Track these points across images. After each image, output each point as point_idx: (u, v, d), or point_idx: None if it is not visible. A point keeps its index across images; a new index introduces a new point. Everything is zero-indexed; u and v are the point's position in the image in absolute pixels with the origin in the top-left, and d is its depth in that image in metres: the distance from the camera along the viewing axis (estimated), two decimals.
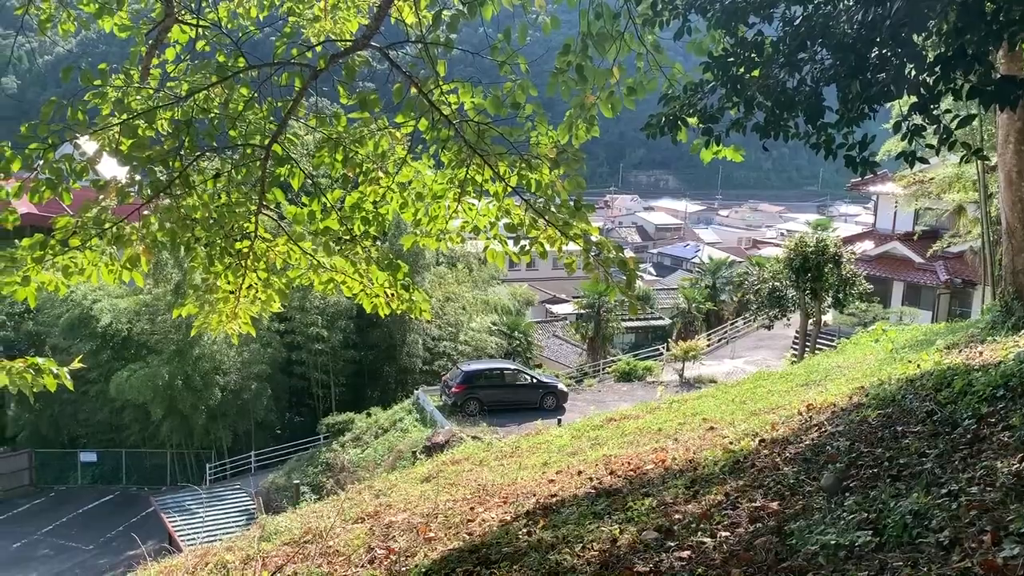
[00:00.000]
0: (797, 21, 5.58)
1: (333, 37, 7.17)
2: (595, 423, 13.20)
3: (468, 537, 6.22)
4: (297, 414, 38.51)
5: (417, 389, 31.12)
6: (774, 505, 5.12)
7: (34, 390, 7.22)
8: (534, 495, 7.35)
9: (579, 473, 7.92)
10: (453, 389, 27.77)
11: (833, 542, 4.17)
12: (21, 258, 6.18)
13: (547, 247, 7.53)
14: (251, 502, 27.70)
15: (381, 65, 6.96)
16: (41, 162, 5.83)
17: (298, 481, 25.05)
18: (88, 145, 6.20)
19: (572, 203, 6.96)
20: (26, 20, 7.10)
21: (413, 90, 6.17)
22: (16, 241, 6.23)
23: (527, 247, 7.39)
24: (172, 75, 6.36)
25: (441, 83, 6.21)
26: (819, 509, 4.82)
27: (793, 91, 5.68)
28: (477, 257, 42.27)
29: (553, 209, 7.09)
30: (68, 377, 7.13)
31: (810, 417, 7.77)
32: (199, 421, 32.46)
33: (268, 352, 34.02)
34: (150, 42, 6.58)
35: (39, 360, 7.20)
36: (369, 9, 7.32)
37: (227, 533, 18.74)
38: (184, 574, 7.64)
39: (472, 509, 7.24)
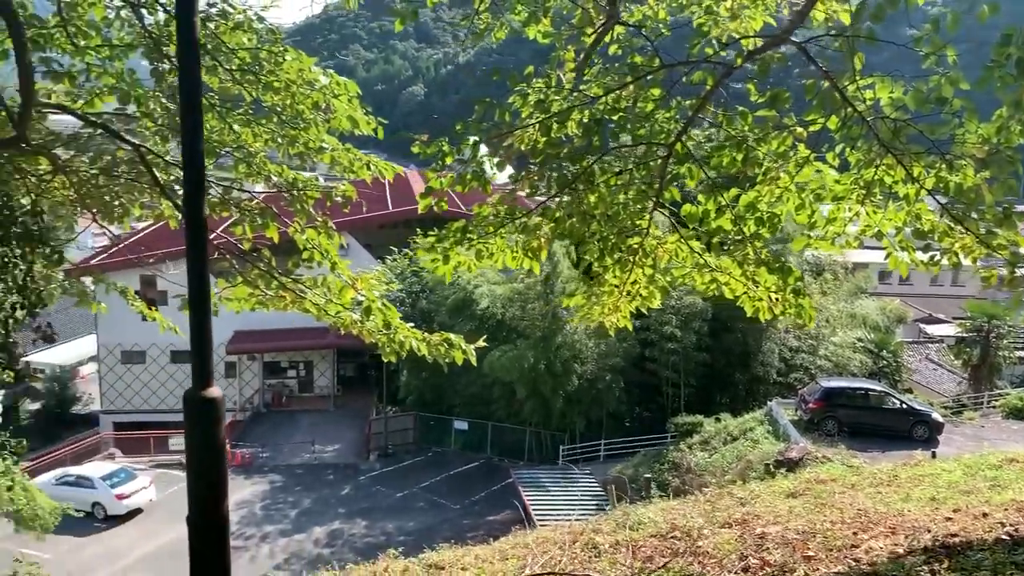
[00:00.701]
0: None
1: (736, 35, 7.08)
2: (991, 462, 11.64)
3: (854, 563, 5.81)
4: (646, 410, 39.01)
5: (770, 400, 29.95)
6: None
7: (445, 361, 8.16)
8: (928, 531, 6.65)
9: (984, 515, 7.01)
10: (810, 405, 26.27)
11: None
12: (446, 238, 6.99)
13: (962, 258, 6.81)
14: (598, 488, 28.81)
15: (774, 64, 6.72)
16: (468, 155, 6.54)
17: (649, 475, 25.50)
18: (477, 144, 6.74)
19: (1000, 211, 6.20)
20: (434, 34, 7.99)
21: (826, 85, 5.88)
22: (418, 230, 7.07)
23: (938, 257, 6.75)
24: (585, 78, 6.75)
25: (857, 78, 5.83)
26: None
27: None
28: (844, 266, 39.51)
29: (974, 215, 6.38)
30: (473, 353, 7.93)
31: None
32: (557, 404, 34.36)
33: (623, 347, 34.97)
34: (569, 47, 7.04)
35: (451, 336, 8.12)
36: (776, 7, 7.11)
37: (578, 514, 19.65)
38: (557, 548, 8.11)
39: (855, 534, 6.76)
